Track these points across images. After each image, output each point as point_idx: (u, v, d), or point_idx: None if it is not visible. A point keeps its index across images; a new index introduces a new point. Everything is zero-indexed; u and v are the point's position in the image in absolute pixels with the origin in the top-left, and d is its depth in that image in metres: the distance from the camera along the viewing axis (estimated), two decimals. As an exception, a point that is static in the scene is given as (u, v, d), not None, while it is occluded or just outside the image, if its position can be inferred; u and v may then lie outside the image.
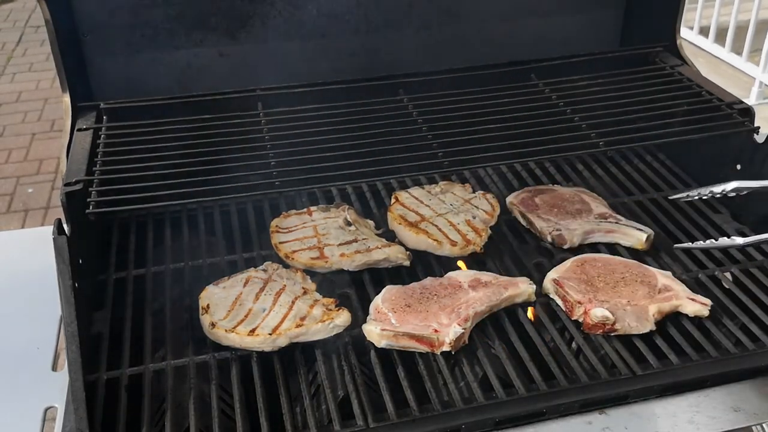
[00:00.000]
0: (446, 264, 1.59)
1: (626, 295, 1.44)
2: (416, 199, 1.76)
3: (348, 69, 1.91)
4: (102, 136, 1.63)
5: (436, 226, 1.65)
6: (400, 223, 1.65)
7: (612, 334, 1.38)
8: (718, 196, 1.62)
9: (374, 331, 1.36)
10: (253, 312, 1.41)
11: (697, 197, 1.66)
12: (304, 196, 1.85)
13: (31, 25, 7.16)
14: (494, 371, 1.31)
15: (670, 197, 1.78)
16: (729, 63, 5.49)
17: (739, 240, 1.58)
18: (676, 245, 1.64)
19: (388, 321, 1.38)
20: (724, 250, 1.61)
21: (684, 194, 1.69)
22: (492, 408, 1.24)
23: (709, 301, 1.44)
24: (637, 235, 1.63)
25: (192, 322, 1.45)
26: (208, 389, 1.31)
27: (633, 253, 1.62)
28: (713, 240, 1.61)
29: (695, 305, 1.42)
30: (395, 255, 1.58)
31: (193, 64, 1.87)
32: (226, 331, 1.36)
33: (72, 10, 1.73)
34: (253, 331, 1.36)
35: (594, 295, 1.43)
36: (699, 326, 1.41)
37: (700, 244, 1.61)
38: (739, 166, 1.73)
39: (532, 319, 1.47)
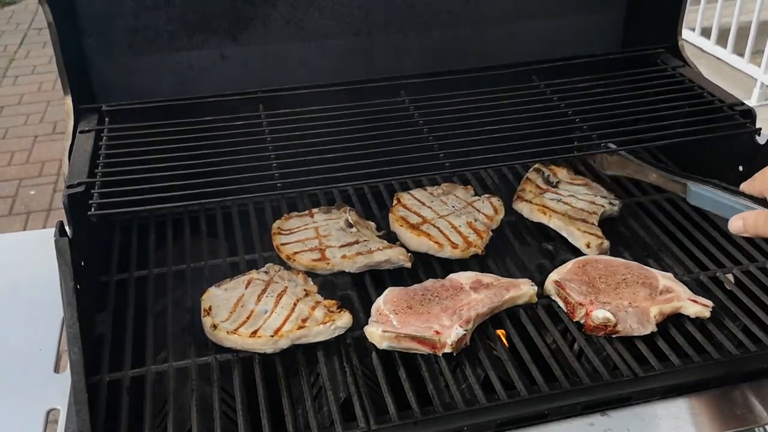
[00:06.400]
0: (448, 265, 1.59)
1: (628, 296, 1.44)
2: (418, 200, 1.76)
3: (349, 70, 1.91)
4: (104, 138, 1.63)
5: (437, 228, 1.65)
6: (401, 225, 1.65)
7: (614, 336, 1.38)
8: None
9: (376, 333, 1.36)
10: (255, 314, 1.41)
11: None
12: (305, 198, 1.85)
13: (33, 27, 7.18)
14: (496, 373, 1.31)
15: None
16: (731, 64, 5.49)
17: None
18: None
19: (389, 322, 1.38)
20: (725, 250, 1.62)
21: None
22: (494, 410, 1.24)
23: (710, 303, 1.43)
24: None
25: (194, 324, 1.45)
26: (210, 391, 1.31)
27: (635, 254, 1.62)
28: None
29: (697, 307, 1.42)
30: (396, 256, 1.58)
31: (195, 66, 1.87)
32: (227, 332, 1.36)
33: (75, 12, 1.73)
34: (255, 332, 1.36)
35: (595, 297, 1.43)
36: (701, 328, 1.41)
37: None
38: (741, 168, 1.73)
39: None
